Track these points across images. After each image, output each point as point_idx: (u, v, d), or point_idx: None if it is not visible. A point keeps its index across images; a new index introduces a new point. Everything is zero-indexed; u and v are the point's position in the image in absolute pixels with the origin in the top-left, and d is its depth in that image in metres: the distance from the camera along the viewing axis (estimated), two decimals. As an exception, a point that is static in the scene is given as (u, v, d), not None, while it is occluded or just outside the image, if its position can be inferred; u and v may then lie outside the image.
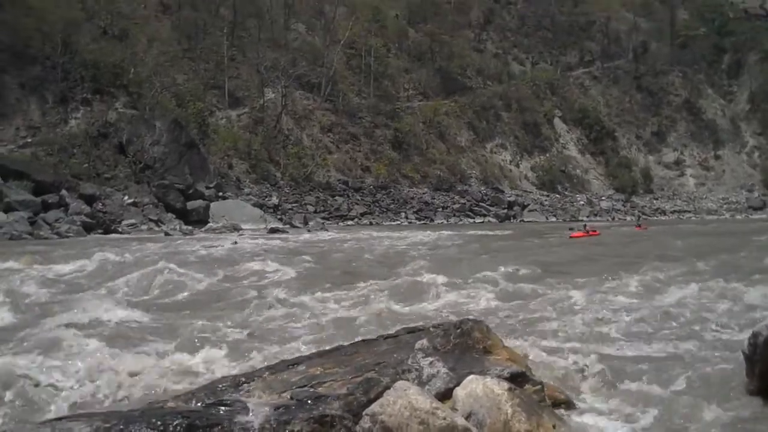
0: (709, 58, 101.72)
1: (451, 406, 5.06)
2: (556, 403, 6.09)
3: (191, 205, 43.42)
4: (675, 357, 8.13)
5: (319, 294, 13.45)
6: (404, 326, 7.50)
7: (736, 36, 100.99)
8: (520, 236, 38.54)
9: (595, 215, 73.28)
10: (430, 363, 5.59)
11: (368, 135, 68.74)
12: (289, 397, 5.11)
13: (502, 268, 17.75)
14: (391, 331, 7.09)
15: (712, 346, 8.61)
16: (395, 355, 5.91)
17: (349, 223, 52.27)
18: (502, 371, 5.67)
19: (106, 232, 35.62)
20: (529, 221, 63.64)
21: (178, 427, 4.43)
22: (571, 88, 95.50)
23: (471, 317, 6.93)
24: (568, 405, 6.28)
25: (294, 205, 53.17)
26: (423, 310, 11.76)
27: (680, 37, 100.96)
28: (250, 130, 59.97)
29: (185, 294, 13.76)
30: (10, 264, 17.47)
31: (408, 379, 5.31)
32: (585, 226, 37.82)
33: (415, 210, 60.96)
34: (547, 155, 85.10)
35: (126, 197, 42.63)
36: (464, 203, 65.58)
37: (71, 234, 32.43)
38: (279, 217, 48.57)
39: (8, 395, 6.68)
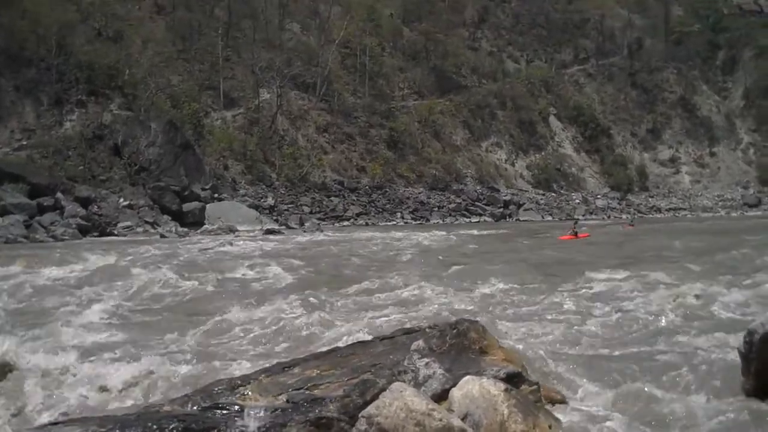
0: (704, 55, 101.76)
1: (447, 407, 5.06)
2: (553, 403, 6.10)
3: (187, 206, 43.35)
4: (670, 356, 8.13)
5: (314, 295, 13.44)
6: (400, 327, 7.51)
7: (730, 32, 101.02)
8: (515, 236, 38.56)
9: (591, 213, 73.38)
10: (426, 364, 5.59)
11: (363, 135, 68.75)
12: (285, 399, 5.11)
13: (497, 269, 17.75)
14: (387, 333, 7.09)
15: (708, 344, 8.60)
16: (391, 357, 5.91)
17: (345, 223, 52.25)
18: (498, 372, 5.67)
19: (102, 234, 35.62)
20: (525, 220, 63.69)
21: (174, 431, 4.43)
22: (565, 85, 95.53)
23: (467, 318, 6.93)
24: (564, 405, 6.29)
25: (290, 206, 53.14)
26: (419, 311, 11.75)
27: (675, 33, 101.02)
28: (246, 131, 59.94)
29: (178, 297, 13.76)
30: (5, 268, 17.45)
31: (404, 381, 5.31)
32: (575, 224, 37.61)
33: (410, 210, 60.97)
34: (543, 153, 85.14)
35: (121, 199, 42.58)
36: (460, 203, 65.57)
37: (67, 237, 32.43)
38: (275, 218, 48.58)
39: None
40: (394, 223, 55.30)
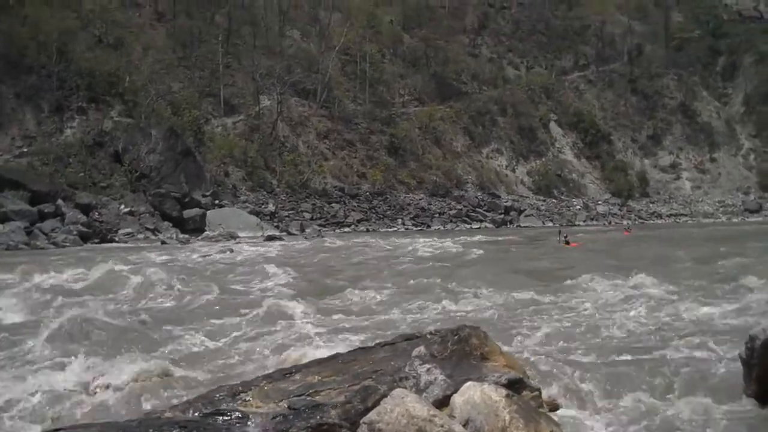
0: (704, 61, 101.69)
1: (448, 413, 5.05)
2: (554, 409, 6.09)
3: (188, 213, 43.35)
4: (672, 362, 8.13)
5: (314, 302, 13.46)
6: (401, 333, 7.50)
7: (730, 38, 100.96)
8: (515, 243, 38.55)
9: (592, 219, 73.37)
10: (428, 370, 5.58)
11: (364, 141, 68.73)
12: (286, 405, 5.10)
13: (498, 275, 17.76)
14: (388, 339, 7.09)
15: (709, 350, 8.61)
16: (392, 363, 5.90)
17: (346, 230, 52.22)
18: (499, 378, 5.66)
19: (103, 241, 35.61)
20: (526, 226, 63.63)
21: (176, 438, 4.42)
22: (566, 92, 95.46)
23: (468, 324, 6.93)
24: (566, 410, 6.28)
25: (290, 212, 53.13)
26: (420, 317, 11.76)
27: (675, 39, 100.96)
28: (246, 138, 59.94)
29: (179, 304, 13.75)
30: (5, 275, 17.45)
31: (405, 387, 5.31)
32: (565, 237, 37.45)
33: (411, 216, 60.95)
34: (543, 160, 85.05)
35: (122, 206, 42.59)
36: (461, 209, 65.50)
37: (68, 244, 32.42)
38: (275, 224, 48.56)
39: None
40: (395, 229, 55.27)
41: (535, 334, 9.94)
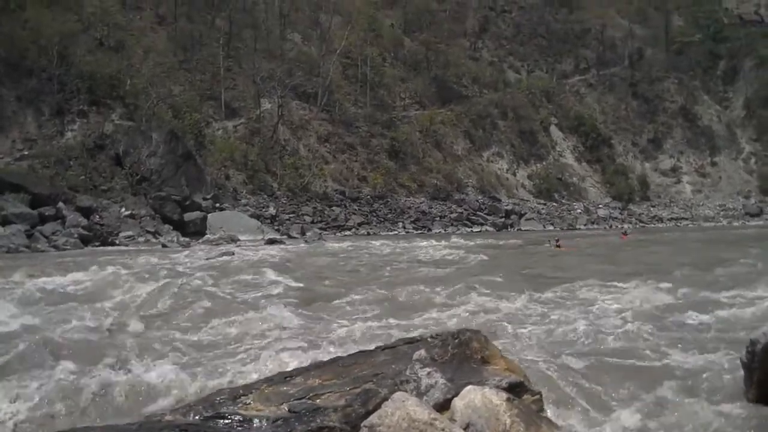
0: (705, 65, 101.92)
1: (449, 417, 5.04)
2: (555, 413, 6.08)
3: (188, 216, 43.33)
4: (672, 366, 8.13)
5: (315, 305, 13.45)
6: (402, 337, 7.50)
7: (731, 42, 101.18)
8: (516, 246, 38.54)
9: (593, 223, 73.41)
10: (428, 374, 5.57)
11: (365, 144, 68.83)
12: (287, 409, 5.10)
13: (498, 279, 17.74)
14: (389, 342, 7.08)
15: (710, 354, 8.60)
16: (393, 366, 5.89)
17: (347, 233, 52.21)
18: (500, 381, 5.65)
19: (104, 244, 35.61)
20: (527, 230, 63.63)
21: (176, 441, 4.42)
22: (566, 95, 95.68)
23: (469, 327, 6.93)
24: (567, 414, 6.28)
25: (291, 215, 53.14)
26: (420, 321, 11.74)
27: (675, 43, 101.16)
28: (247, 141, 60.02)
29: (178, 307, 13.71)
30: (6, 278, 17.45)
31: (406, 390, 5.30)
32: (557, 240, 37.43)
33: (412, 219, 60.98)
34: (544, 163, 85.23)
35: (123, 209, 42.60)
36: (461, 212, 65.53)
37: (68, 247, 32.41)
38: (276, 227, 48.59)
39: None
40: (396, 232, 55.25)
41: (533, 339, 9.93)
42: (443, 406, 5.26)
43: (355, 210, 59.09)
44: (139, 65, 56.86)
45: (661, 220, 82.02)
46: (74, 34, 52.23)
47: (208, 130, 57.73)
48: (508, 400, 5.06)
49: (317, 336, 10.52)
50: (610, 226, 71.68)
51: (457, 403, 5.13)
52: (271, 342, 10.20)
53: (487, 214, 67.40)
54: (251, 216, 48.42)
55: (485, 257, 26.42)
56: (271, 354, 9.26)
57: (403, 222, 59.75)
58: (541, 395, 5.84)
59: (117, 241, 37.09)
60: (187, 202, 44.64)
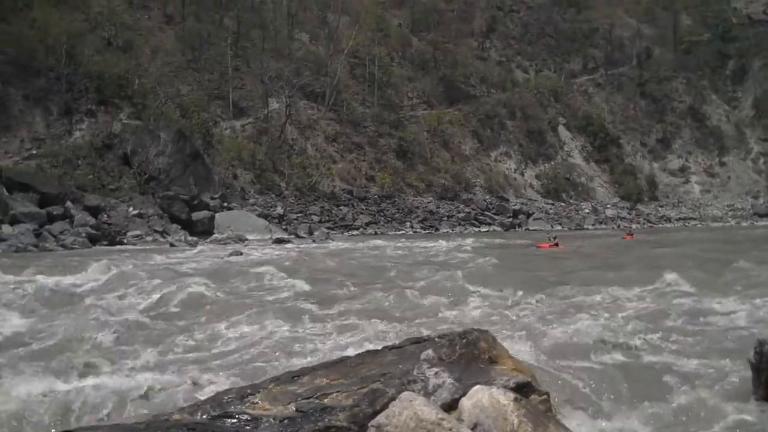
0: (713, 64, 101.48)
1: (457, 417, 5.04)
2: (562, 413, 6.07)
3: (196, 215, 43.42)
4: (680, 367, 8.10)
5: (322, 304, 13.44)
6: (409, 337, 7.49)
7: (740, 42, 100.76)
8: (523, 246, 38.47)
9: (601, 223, 73.28)
10: (436, 373, 5.57)
11: (372, 144, 68.88)
12: (294, 408, 5.09)
13: (505, 278, 17.72)
14: (396, 342, 7.08)
15: (718, 355, 8.57)
16: (401, 366, 5.88)
17: (354, 232, 52.25)
18: (507, 381, 5.64)
19: (112, 243, 35.69)
20: (535, 230, 63.53)
21: (184, 440, 4.42)
22: (574, 95, 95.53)
23: (476, 327, 6.92)
24: (574, 414, 6.27)
25: (299, 215, 53.21)
26: (428, 321, 11.73)
27: (684, 43, 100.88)
28: (255, 141, 60.10)
29: (186, 306, 13.71)
30: (15, 276, 17.50)
31: (414, 390, 5.29)
32: (554, 237, 37.28)
33: (420, 219, 61.01)
34: (552, 163, 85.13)
35: (131, 208, 42.68)
36: (469, 212, 65.54)
37: (76, 246, 32.47)
38: (284, 227, 48.64)
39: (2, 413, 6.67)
40: (403, 232, 55.31)
41: (541, 339, 9.90)
42: (451, 406, 5.25)
43: (363, 210, 59.12)
44: (147, 65, 56.99)
45: (669, 220, 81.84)
46: (82, 33, 52.36)
47: (216, 130, 57.86)
48: (515, 400, 5.06)
49: (324, 335, 10.52)
50: (618, 226, 71.50)
51: (465, 403, 5.12)
52: (278, 341, 10.20)
53: (495, 214, 67.38)
54: (259, 215, 48.50)
55: (493, 257, 26.37)
56: (278, 353, 9.26)
57: (410, 222, 59.77)
58: (548, 395, 5.83)
59: (125, 241, 37.18)
60: (195, 202, 44.71)
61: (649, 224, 76.47)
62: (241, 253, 28.84)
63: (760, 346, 6.48)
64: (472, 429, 4.90)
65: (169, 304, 13.93)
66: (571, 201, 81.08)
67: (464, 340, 6.14)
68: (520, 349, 8.56)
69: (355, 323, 11.55)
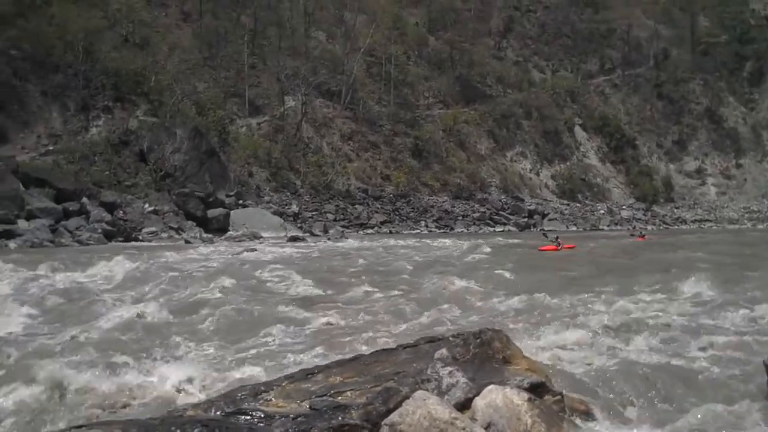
0: (731, 66, 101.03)
1: (470, 416, 5.04)
2: (576, 414, 6.06)
3: (212, 213, 43.52)
4: (695, 368, 8.07)
5: (337, 303, 13.44)
6: (423, 336, 7.49)
7: (757, 43, 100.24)
8: (537, 246, 38.36)
9: (616, 224, 73.02)
10: (450, 373, 5.57)
11: (388, 143, 68.86)
12: (308, 406, 5.10)
13: (519, 279, 17.70)
14: (410, 341, 7.07)
15: (733, 356, 8.54)
16: (414, 365, 5.88)
17: (369, 231, 52.19)
18: (521, 381, 5.64)
19: (127, 239, 35.78)
20: (550, 230, 63.30)
21: (198, 436, 4.43)
22: (591, 95, 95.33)
23: (490, 327, 6.91)
24: (588, 415, 6.25)
25: (314, 213, 53.23)
26: (442, 320, 11.72)
27: (701, 44, 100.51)
28: (271, 138, 60.16)
29: (201, 303, 13.73)
30: (31, 271, 17.57)
31: (427, 389, 5.29)
32: (556, 237, 37.06)
33: (435, 218, 60.92)
34: (568, 164, 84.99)
35: (147, 205, 42.72)
36: (484, 212, 65.43)
37: (92, 242, 32.56)
38: (299, 225, 48.63)
39: (19, 405, 6.70)
40: (418, 231, 55.23)
41: (555, 339, 9.88)
42: (464, 406, 5.25)
43: (378, 208, 59.09)
44: (164, 62, 57.11)
45: (684, 221, 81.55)
46: (100, 30, 52.45)
47: (232, 127, 57.93)
48: (529, 400, 5.06)
49: (339, 333, 10.52)
50: (633, 227, 71.21)
51: (478, 402, 5.12)
52: (293, 339, 10.22)
53: (510, 214, 67.25)
54: (274, 213, 48.51)
55: (507, 258, 26.35)
56: (292, 351, 9.27)
57: (425, 221, 59.69)
58: (562, 396, 5.82)
59: (140, 237, 37.23)
60: (211, 199, 44.81)
61: (664, 225, 76.21)
62: (256, 251, 28.88)
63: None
64: (486, 429, 4.90)
65: (181, 300, 13.98)
66: (586, 202, 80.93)
67: (478, 340, 6.15)
68: (533, 348, 8.55)
69: (368, 321, 11.56)
